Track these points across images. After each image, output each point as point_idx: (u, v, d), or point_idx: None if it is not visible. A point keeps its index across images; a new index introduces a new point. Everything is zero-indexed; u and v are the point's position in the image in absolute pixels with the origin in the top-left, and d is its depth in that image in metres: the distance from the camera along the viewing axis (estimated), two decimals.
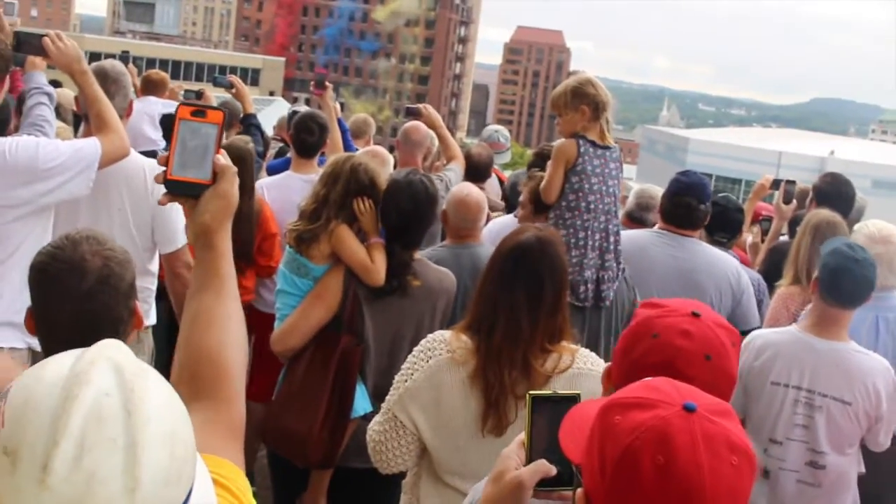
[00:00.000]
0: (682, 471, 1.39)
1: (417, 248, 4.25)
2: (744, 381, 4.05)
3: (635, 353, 1.98)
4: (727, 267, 4.95)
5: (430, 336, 3.21)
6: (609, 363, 2.11)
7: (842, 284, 3.90)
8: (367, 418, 3.76)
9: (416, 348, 3.20)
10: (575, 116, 4.49)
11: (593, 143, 4.50)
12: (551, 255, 3.05)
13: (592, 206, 4.47)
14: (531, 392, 1.86)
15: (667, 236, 4.96)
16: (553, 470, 1.78)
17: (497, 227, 5.33)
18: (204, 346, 1.94)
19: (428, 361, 3.08)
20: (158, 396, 1.24)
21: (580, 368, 2.97)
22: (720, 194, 6.03)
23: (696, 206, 4.94)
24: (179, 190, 1.99)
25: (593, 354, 3.12)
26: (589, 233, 4.40)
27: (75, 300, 2.43)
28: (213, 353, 1.94)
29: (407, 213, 4.13)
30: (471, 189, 4.92)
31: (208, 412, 1.81)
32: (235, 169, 2.04)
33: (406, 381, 3.11)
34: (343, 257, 4.09)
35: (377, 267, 4.06)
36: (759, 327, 5.04)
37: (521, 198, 5.09)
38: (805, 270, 5.00)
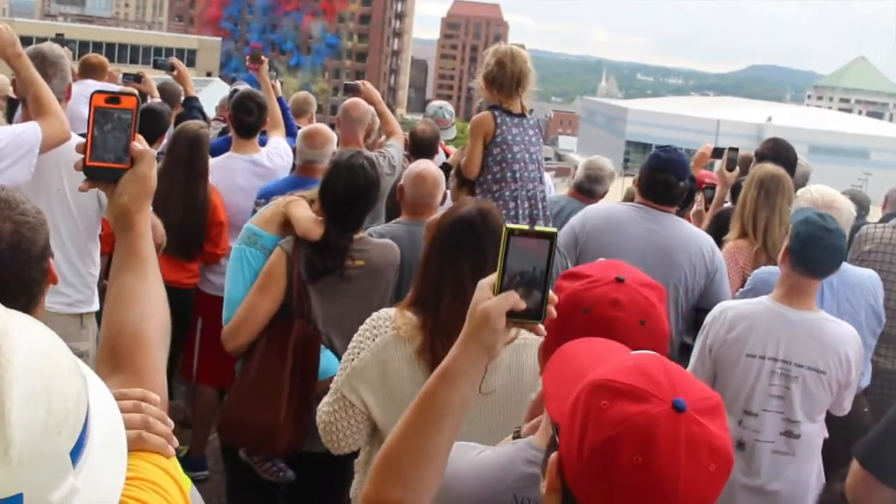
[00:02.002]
0: (658, 475, 1.40)
1: (356, 231, 4.19)
2: (714, 354, 4.09)
3: (570, 331, 1.95)
4: (702, 244, 4.94)
5: (374, 314, 3.19)
6: (542, 340, 2.07)
7: (813, 254, 3.89)
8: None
9: (361, 327, 3.18)
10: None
11: (509, 113, 4.53)
12: (493, 227, 3.03)
13: (518, 175, 4.48)
14: (507, 225, 1.86)
15: (643, 209, 4.95)
16: (522, 304, 1.81)
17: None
18: (124, 320, 1.96)
19: (374, 340, 3.06)
20: (28, 355, 1.22)
21: (525, 339, 2.95)
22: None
23: (675, 183, 4.92)
24: (98, 175, 2.06)
25: None
26: (518, 202, 4.41)
27: None
28: (132, 325, 1.95)
29: (344, 198, 4.09)
30: (427, 165, 4.89)
31: (125, 383, 1.80)
32: (154, 153, 2.09)
33: (353, 360, 3.09)
34: (289, 215, 4.08)
35: (314, 219, 4.06)
36: None
37: (452, 171, 5.10)
38: (752, 223, 5.06)
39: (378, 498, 1.86)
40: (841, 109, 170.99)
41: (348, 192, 4.08)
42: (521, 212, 4.38)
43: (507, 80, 4.71)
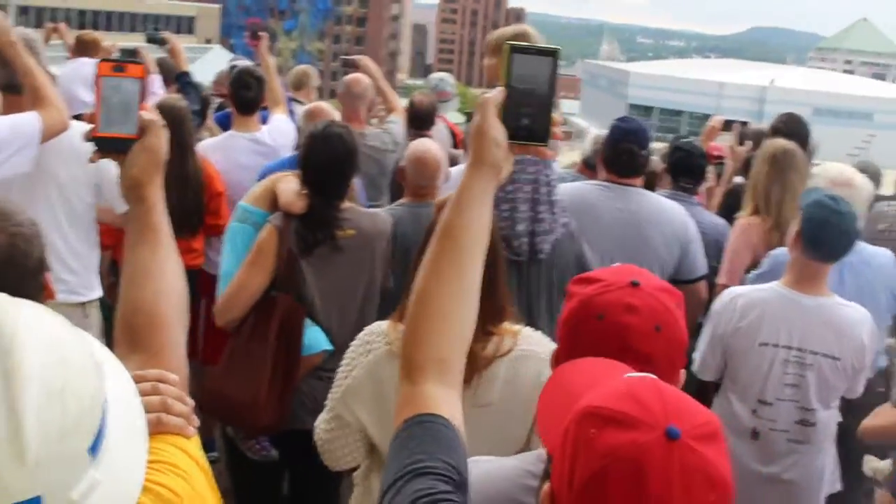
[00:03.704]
0: None
1: (341, 200, 4.16)
2: (726, 343, 4.02)
3: (583, 338, 1.90)
4: (674, 216, 4.85)
5: (367, 329, 3.11)
6: (556, 348, 2.02)
7: (825, 238, 3.81)
8: (322, 378, 3.69)
9: (353, 342, 3.10)
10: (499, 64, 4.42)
11: None
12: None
13: (518, 157, 4.38)
14: (508, 41, 1.85)
15: (610, 188, 4.85)
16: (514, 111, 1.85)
17: (458, 176, 5.24)
18: (140, 298, 1.92)
19: (367, 356, 2.98)
20: (42, 353, 1.20)
21: (523, 350, 2.86)
22: (682, 140, 5.96)
23: (638, 152, 4.83)
24: (108, 146, 2.02)
25: (537, 334, 2.99)
26: (517, 185, 4.29)
27: None
28: (148, 304, 1.91)
29: (323, 166, 4.07)
30: (429, 146, 4.83)
31: (143, 364, 1.77)
32: (162, 122, 2.05)
33: (346, 377, 3.02)
34: (277, 192, 4.07)
35: (296, 192, 4.05)
36: (705, 275, 5.02)
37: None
38: (764, 200, 4.96)
39: (416, 358, 1.79)
40: (844, 71, 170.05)
41: (327, 161, 4.07)
42: (520, 195, 4.24)
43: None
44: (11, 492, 1.15)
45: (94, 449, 1.24)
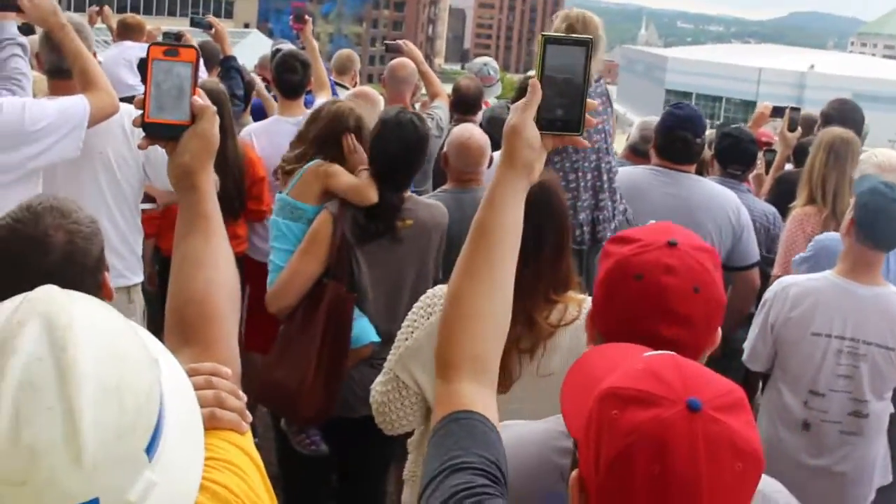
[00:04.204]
0: (679, 483, 1.30)
1: (406, 190, 4.13)
2: (776, 333, 3.95)
3: (620, 298, 1.86)
4: (727, 203, 4.81)
5: (429, 291, 3.12)
6: (590, 308, 1.99)
7: (881, 227, 3.73)
8: (374, 365, 3.65)
9: (415, 305, 3.10)
10: None
11: None
12: (552, 203, 2.92)
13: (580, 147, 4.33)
14: (543, 33, 1.87)
15: (662, 173, 4.82)
16: (554, 111, 1.86)
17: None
18: (192, 289, 1.88)
19: (428, 318, 2.98)
20: (97, 349, 1.16)
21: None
22: (732, 125, 5.89)
23: (692, 140, 4.79)
24: (158, 132, 1.96)
25: None
26: (580, 174, 4.25)
27: (37, 279, 2.26)
28: (200, 295, 1.86)
29: (395, 154, 4.00)
30: (473, 131, 4.78)
31: (196, 357, 1.73)
32: (214, 108, 1.99)
33: (406, 339, 3.02)
34: (332, 187, 4.00)
35: (365, 184, 3.97)
36: (758, 262, 4.96)
37: None
38: (820, 189, 4.87)
39: (451, 358, 1.81)
40: (885, 56, 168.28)
41: (400, 148, 4.01)
42: (583, 183, 4.22)
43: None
44: (69, 495, 1.11)
45: (150, 448, 1.21)
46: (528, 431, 2.03)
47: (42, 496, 1.10)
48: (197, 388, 1.53)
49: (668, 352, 1.51)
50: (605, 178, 4.31)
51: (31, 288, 1.23)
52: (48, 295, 1.22)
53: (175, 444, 1.28)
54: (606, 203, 4.30)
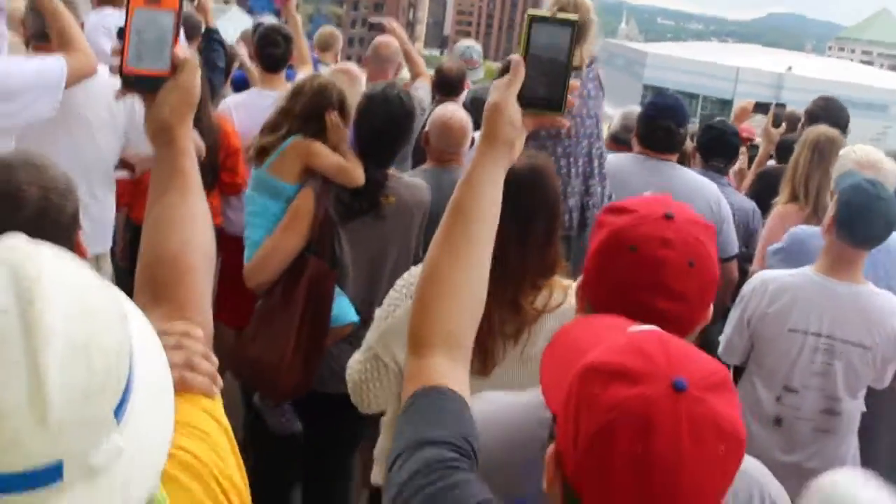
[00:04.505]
0: (660, 462, 1.26)
1: (390, 166, 4.09)
2: (753, 327, 3.93)
3: (613, 269, 1.82)
4: (707, 193, 4.80)
5: (412, 269, 3.07)
6: (581, 278, 1.95)
7: (863, 224, 3.69)
8: (352, 343, 3.57)
9: (397, 282, 3.06)
10: None
11: None
12: (544, 186, 2.87)
13: (573, 132, 4.30)
14: (530, 12, 1.87)
15: (645, 161, 4.82)
16: (535, 89, 1.85)
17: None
18: (165, 248, 1.79)
19: (410, 298, 2.94)
20: (66, 303, 1.08)
21: (573, 305, 2.78)
22: (716, 118, 5.88)
23: (675, 129, 4.78)
24: (136, 84, 1.85)
25: None
26: (572, 159, 4.23)
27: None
28: (174, 254, 1.78)
29: (382, 130, 3.96)
30: (454, 111, 4.74)
31: (167, 317, 1.65)
32: (197, 60, 1.90)
33: (387, 318, 2.97)
34: (316, 166, 3.91)
35: (353, 165, 3.90)
36: (736, 255, 4.95)
37: None
38: (803, 187, 4.86)
39: (425, 333, 1.78)
40: (862, 62, 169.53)
41: (386, 123, 3.96)
42: (574, 169, 4.20)
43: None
44: (32, 456, 1.04)
45: (118, 411, 1.13)
46: (508, 402, 2.00)
47: (2, 456, 1.03)
48: (167, 349, 1.43)
49: (654, 326, 1.48)
50: (595, 163, 4.30)
51: None
52: (15, 245, 1.13)
53: (144, 408, 1.19)
54: (596, 189, 4.29)
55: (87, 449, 1.08)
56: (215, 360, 1.61)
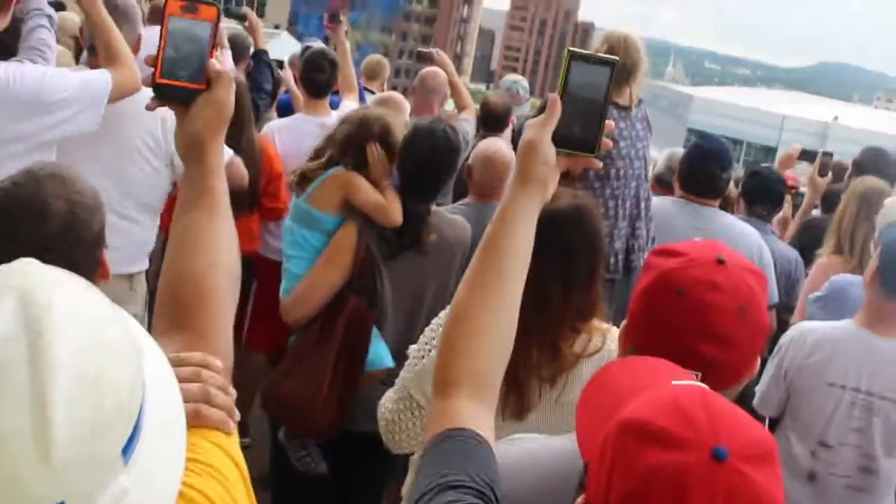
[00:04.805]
0: None
1: (433, 201, 4.03)
2: (790, 379, 3.84)
3: (659, 313, 1.77)
4: (749, 241, 4.70)
5: (446, 310, 3.02)
6: (626, 322, 1.89)
7: None
8: (386, 383, 3.47)
9: (433, 321, 3.01)
10: None
11: (616, 105, 4.26)
12: (588, 228, 2.79)
13: (622, 173, 4.25)
14: (570, 48, 1.85)
15: (687, 205, 4.74)
16: (572, 129, 1.84)
17: None
18: (188, 270, 1.72)
19: None
20: (77, 335, 1.02)
21: (611, 350, 2.72)
22: (762, 164, 5.81)
23: (718, 174, 4.70)
24: (169, 94, 1.80)
25: None
26: (619, 201, 4.18)
27: (32, 248, 2.15)
28: (198, 277, 1.70)
29: (426, 164, 3.88)
30: (498, 146, 4.70)
31: (187, 345, 1.59)
32: (232, 75, 1.85)
33: (423, 357, 2.91)
34: (355, 200, 3.84)
35: (393, 205, 3.82)
36: (776, 304, 4.87)
37: None
38: (849, 240, 4.76)
39: (451, 373, 1.74)
40: None
41: (430, 156, 3.87)
42: (621, 212, 4.15)
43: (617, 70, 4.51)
44: (33, 496, 0.98)
45: (127, 450, 1.07)
46: (540, 445, 1.95)
47: (2, 495, 0.97)
48: (184, 379, 1.39)
49: (698, 382, 1.42)
50: (642, 206, 4.25)
51: (25, 256, 1.11)
52: (29, 270, 1.08)
53: (154, 447, 1.14)
54: (642, 231, 4.23)
55: (92, 490, 1.03)
56: (233, 392, 1.55)
